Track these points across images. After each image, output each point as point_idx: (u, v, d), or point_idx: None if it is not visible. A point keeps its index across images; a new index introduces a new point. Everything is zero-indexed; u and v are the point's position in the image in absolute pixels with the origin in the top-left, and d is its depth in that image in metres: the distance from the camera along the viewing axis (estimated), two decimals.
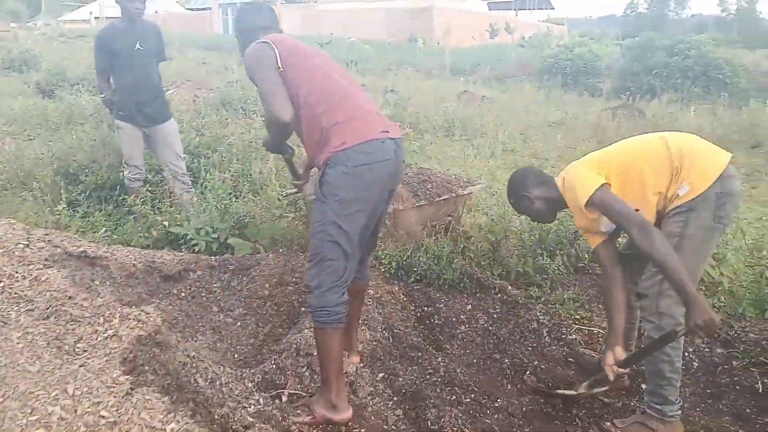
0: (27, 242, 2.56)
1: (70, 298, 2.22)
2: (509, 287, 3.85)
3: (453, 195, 4.30)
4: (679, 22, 70.48)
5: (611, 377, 2.69)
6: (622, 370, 2.72)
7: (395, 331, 3.37)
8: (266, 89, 2.42)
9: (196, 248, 4.02)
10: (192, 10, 41.42)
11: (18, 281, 2.31)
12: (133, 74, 4.49)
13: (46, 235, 2.70)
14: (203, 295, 3.44)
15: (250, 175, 5.37)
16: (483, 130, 9.50)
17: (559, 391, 2.91)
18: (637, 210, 2.58)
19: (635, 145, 2.77)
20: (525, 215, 3.08)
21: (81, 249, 2.82)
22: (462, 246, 4.02)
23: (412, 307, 3.64)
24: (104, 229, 4.42)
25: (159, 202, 4.50)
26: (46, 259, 2.54)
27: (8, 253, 2.45)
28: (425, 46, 27.82)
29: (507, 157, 8.24)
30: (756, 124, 10.09)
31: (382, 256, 3.75)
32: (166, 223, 4.21)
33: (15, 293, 2.25)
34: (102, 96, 4.64)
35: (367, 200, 2.42)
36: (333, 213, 2.36)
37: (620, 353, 2.70)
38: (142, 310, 2.24)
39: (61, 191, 4.87)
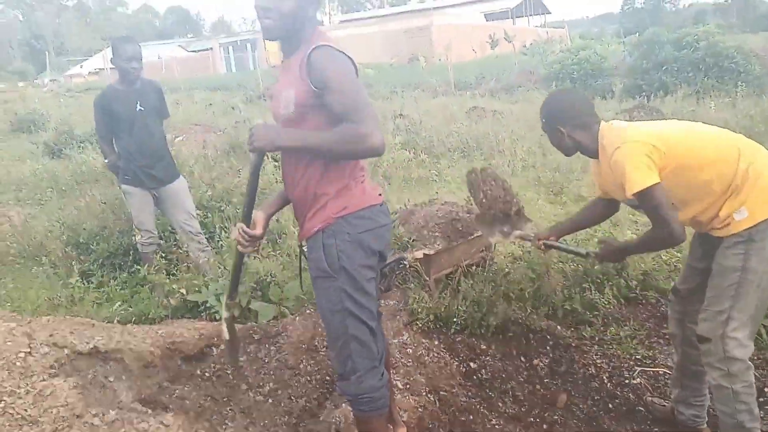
0: (29, 348, 2.30)
1: (78, 417, 1.96)
2: (558, 328, 3.55)
3: None
4: (677, 14, 70.02)
5: (532, 244, 2.97)
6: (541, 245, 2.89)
7: (441, 393, 3.09)
8: (363, 102, 1.96)
9: (217, 316, 3.77)
10: (195, 52, 41.79)
11: (21, 398, 2.06)
12: (136, 137, 4.28)
13: (51, 336, 2.44)
14: (228, 373, 3.16)
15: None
16: (499, 147, 9.20)
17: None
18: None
19: (706, 141, 2.43)
20: (548, 137, 2.72)
21: (91, 345, 2.56)
22: (502, 287, 3.72)
23: (456, 363, 3.34)
24: (120, 302, 4.19)
25: (175, 267, 4.26)
26: (51, 367, 2.28)
27: (8, 364, 2.19)
28: (428, 65, 27.67)
29: (528, 173, 7.94)
30: None
31: (419, 310, 3.46)
32: (184, 291, 3.97)
33: (17, 413, 1.99)
34: (106, 161, 4.43)
35: (373, 269, 2.19)
36: (347, 288, 2.11)
37: (552, 237, 2.88)
38: (161, 423, 1.97)
39: (73, 262, 4.67)
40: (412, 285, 3.68)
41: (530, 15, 56.22)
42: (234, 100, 20.18)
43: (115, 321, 3.92)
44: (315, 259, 2.15)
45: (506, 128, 10.55)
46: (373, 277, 2.21)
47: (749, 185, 2.31)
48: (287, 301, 3.73)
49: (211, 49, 41.49)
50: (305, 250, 2.30)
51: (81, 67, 43.93)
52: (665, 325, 3.48)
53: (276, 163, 7.15)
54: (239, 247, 2.27)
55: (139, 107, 4.27)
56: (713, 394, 2.49)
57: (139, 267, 4.62)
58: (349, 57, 2.02)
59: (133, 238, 4.74)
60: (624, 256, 2.77)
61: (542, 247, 2.90)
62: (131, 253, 4.83)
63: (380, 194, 2.24)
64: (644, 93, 14.38)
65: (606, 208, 2.84)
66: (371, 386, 2.19)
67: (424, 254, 3.70)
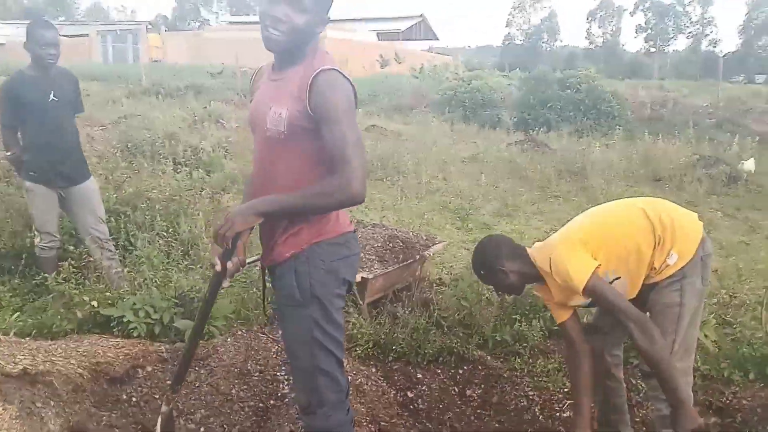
0: None
1: None
2: (488, 358, 3.61)
3: (419, 257, 4.02)
4: (552, 53, 75.01)
5: None
6: None
7: (381, 423, 3.02)
8: (353, 144, 1.85)
9: (135, 333, 3.46)
10: (67, 36, 38.92)
11: None
12: (46, 129, 3.87)
13: None
14: (156, 397, 2.91)
15: (178, 234, 4.83)
16: (402, 168, 9.31)
17: None
18: (624, 283, 2.54)
19: (613, 218, 2.66)
20: (493, 287, 2.84)
21: (20, 367, 2.26)
22: (435, 314, 3.73)
23: (393, 392, 3.29)
24: (16, 314, 3.75)
25: (82, 276, 3.88)
26: None
27: None
28: None
29: (434, 197, 8.09)
30: (651, 156, 10.59)
31: (358, 336, 3.38)
32: (95, 303, 3.61)
33: None
34: (8, 154, 3.96)
35: (344, 299, 2.13)
36: (318, 317, 2.02)
37: None
38: None
39: None
40: (349, 309, 3.60)
41: (419, 39, 57.83)
42: (114, 93, 19.03)
43: (11, 333, 3.51)
44: (285, 286, 2.04)
45: (407, 150, 10.72)
46: (343, 306, 2.13)
47: (670, 232, 2.50)
48: (216, 320, 3.50)
49: (87, 35, 38.89)
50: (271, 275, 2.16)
51: None
52: None
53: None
54: (223, 280, 2.05)
55: (52, 97, 3.87)
56: (657, 425, 2.63)
57: (31, 272, 4.19)
58: (351, 85, 1.94)
59: (28, 240, 4.30)
60: (680, 402, 2.45)
61: None
62: (24, 256, 4.35)
63: (351, 221, 2.18)
64: (530, 127, 15.23)
65: (582, 330, 2.72)
66: (339, 421, 2.10)
67: (362, 278, 3.63)
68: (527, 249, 2.70)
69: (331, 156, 1.87)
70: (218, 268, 2.00)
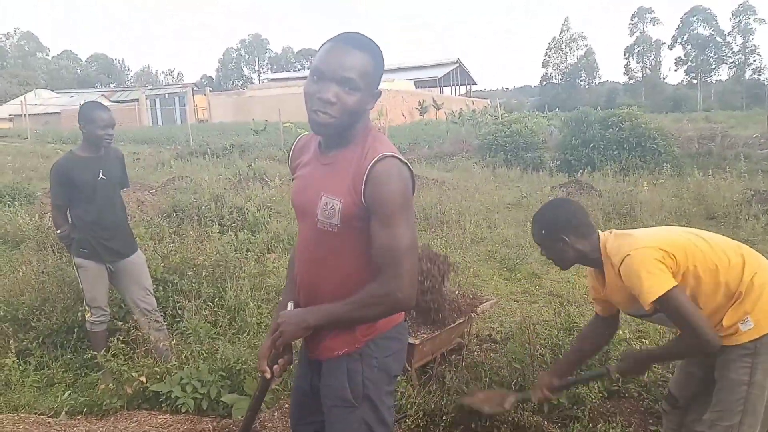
0: None
1: None
2: (545, 423, 3.45)
3: (467, 317, 3.92)
4: (591, 90, 74.73)
5: (535, 400, 2.80)
6: (549, 395, 2.75)
7: None
8: (405, 246, 1.76)
9: (182, 408, 3.45)
10: (118, 102, 40.74)
11: None
12: (95, 207, 3.97)
13: None
14: None
15: (224, 301, 4.86)
16: (446, 218, 9.25)
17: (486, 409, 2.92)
18: None
19: (713, 247, 2.42)
20: (545, 250, 2.60)
21: None
22: (486, 378, 3.61)
23: None
24: (65, 389, 3.79)
25: (131, 350, 3.91)
26: None
27: None
28: None
29: (479, 247, 7.98)
30: (703, 193, 10.25)
31: (407, 406, 3.28)
32: (143, 379, 3.63)
33: None
34: (58, 232, 4.07)
35: (394, 396, 2.03)
36: (369, 420, 1.91)
37: (556, 381, 2.71)
38: None
39: (10, 340, 4.22)
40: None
41: (458, 85, 58.45)
42: (163, 155, 19.67)
43: (63, 413, 3.54)
44: (335, 386, 1.92)
45: (450, 198, 10.68)
46: (393, 405, 2.01)
47: (754, 295, 2.32)
48: None
49: (137, 100, 40.61)
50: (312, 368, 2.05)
51: None
52: (650, 421, 3.47)
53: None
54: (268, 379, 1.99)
55: (101, 176, 3.99)
56: None
57: (86, 343, 4.25)
58: (410, 170, 1.82)
59: (79, 314, 4.37)
60: (648, 366, 2.70)
61: (551, 396, 2.78)
62: (75, 330, 4.42)
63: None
64: (574, 168, 15.03)
65: (606, 326, 2.76)
66: None
67: (409, 343, 3.54)
68: (600, 233, 2.51)
69: (381, 257, 1.77)
70: (267, 376, 1.95)
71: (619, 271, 2.35)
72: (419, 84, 47.65)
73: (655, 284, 2.24)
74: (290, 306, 1.98)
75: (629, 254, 2.32)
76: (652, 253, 2.31)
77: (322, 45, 1.83)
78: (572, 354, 2.83)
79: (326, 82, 1.76)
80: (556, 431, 3.40)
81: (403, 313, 2.03)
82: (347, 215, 1.81)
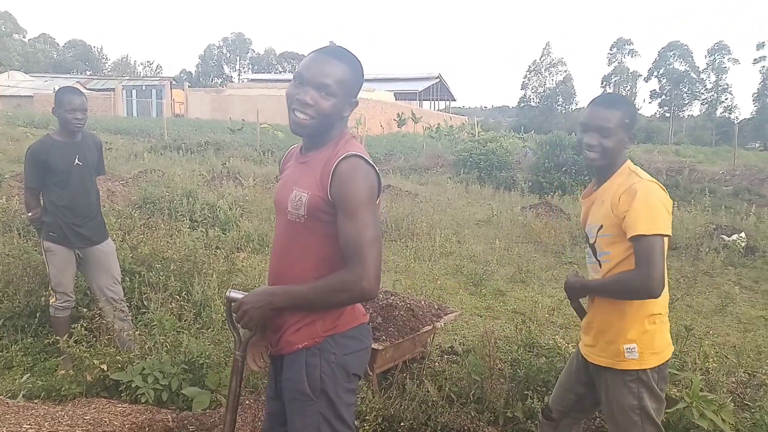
0: None
1: None
2: None
3: (430, 327, 3.99)
4: (567, 115, 75.89)
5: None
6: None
7: None
8: (370, 238, 1.83)
9: (142, 399, 3.45)
10: (94, 90, 40.13)
11: None
12: (68, 192, 3.96)
13: None
14: None
15: (191, 295, 4.86)
16: (415, 230, 9.34)
17: None
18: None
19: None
20: (604, 136, 2.40)
21: None
22: (446, 388, 3.68)
23: None
24: (23, 372, 3.75)
25: (94, 338, 3.89)
26: None
27: None
28: None
29: (447, 261, 8.08)
30: (675, 225, 10.52)
31: (367, 410, 3.33)
32: (105, 367, 3.61)
33: None
34: (29, 215, 4.04)
35: (354, 394, 2.06)
36: (326, 414, 1.96)
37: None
38: None
39: None
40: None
41: (437, 99, 58.88)
42: (137, 147, 19.43)
43: (21, 395, 3.51)
44: (294, 379, 1.98)
45: (422, 211, 10.78)
46: (352, 403, 2.06)
47: (651, 329, 2.35)
48: (224, 388, 3.48)
49: (113, 90, 40.06)
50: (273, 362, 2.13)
51: None
52: None
53: None
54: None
55: (77, 161, 3.98)
56: None
57: (45, 332, 4.22)
58: (376, 172, 1.92)
59: (43, 299, 4.33)
60: (583, 294, 2.56)
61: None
62: (38, 314, 4.39)
63: (365, 314, 2.11)
64: (545, 190, 15.27)
65: None
66: None
67: (372, 348, 3.60)
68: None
69: (346, 249, 1.85)
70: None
71: (632, 185, 2.29)
72: (399, 96, 47.88)
73: (657, 222, 2.20)
74: (231, 293, 2.04)
75: (655, 183, 2.32)
76: (666, 200, 2.30)
77: (308, 54, 1.99)
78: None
79: (306, 86, 1.92)
80: None
81: (367, 315, 2.11)
82: (313, 207, 1.91)
